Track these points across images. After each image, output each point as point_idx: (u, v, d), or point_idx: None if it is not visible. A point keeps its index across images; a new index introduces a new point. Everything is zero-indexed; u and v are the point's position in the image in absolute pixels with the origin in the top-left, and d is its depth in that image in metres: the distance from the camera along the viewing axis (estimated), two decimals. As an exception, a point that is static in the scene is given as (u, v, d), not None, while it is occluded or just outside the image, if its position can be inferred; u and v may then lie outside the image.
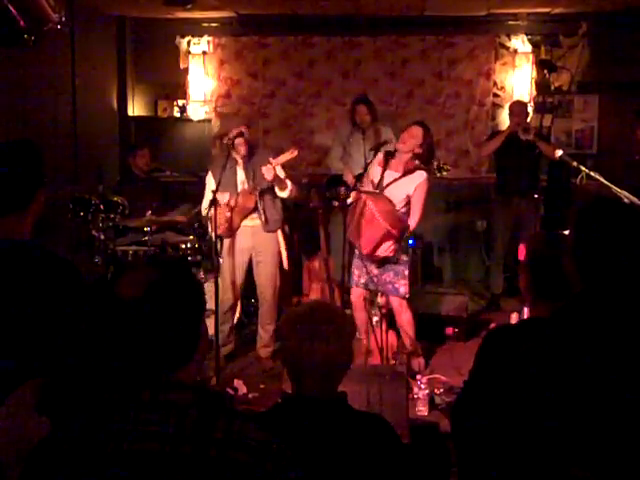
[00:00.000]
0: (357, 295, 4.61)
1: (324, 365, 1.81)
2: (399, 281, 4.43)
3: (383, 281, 4.46)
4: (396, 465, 1.84)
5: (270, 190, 4.69)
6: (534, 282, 2.20)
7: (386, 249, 4.29)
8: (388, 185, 4.39)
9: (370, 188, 4.43)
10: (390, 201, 4.29)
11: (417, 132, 4.38)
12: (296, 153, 4.57)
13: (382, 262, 4.43)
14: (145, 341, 1.30)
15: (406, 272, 4.43)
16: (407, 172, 4.36)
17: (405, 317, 4.53)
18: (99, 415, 1.28)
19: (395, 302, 4.49)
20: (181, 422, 1.25)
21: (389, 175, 4.41)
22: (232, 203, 4.66)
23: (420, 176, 4.35)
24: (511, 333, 1.86)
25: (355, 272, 4.58)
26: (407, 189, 4.35)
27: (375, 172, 4.49)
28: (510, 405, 1.63)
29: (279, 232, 4.84)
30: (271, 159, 4.57)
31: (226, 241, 4.78)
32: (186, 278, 1.38)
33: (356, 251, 4.54)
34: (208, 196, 4.63)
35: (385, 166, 4.44)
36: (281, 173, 4.65)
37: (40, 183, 2.07)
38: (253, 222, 4.74)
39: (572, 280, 1.68)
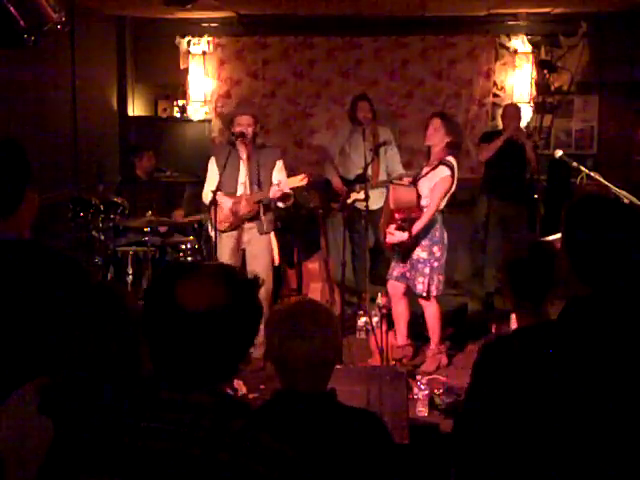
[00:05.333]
0: (391, 288, 4.72)
1: (308, 362, 1.80)
2: (417, 279, 4.51)
3: (409, 277, 4.59)
4: (386, 460, 1.83)
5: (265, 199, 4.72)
6: (513, 286, 2.23)
7: (392, 235, 4.45)
8: (419, 179, 4.55)
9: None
10: (413, 193, 4.45)
11: (437, 124, 4.48)
12: (306, 181, 4.60)
13: (405, 257, 4.55)
14: (195, 356, 1.28)
15: (426, 270, 4.50)
16: (434, 167, 4.48)
17: (429, 311, 4.61)
18: (117, 411, 1.28)
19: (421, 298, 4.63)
20: (196, 423, 1.24)
21: (424, 170, 4.58)
22: (234, 208, 4.66)
23: (442, 172, 4.45)
24: (508, 345, 1.83)
25: (392, 265, 4.73)
26: (430, 183, 4.48)
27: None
28: (515, 418, 1.62)
29: (272, 233, 4.88)
30: (281, 181, 4.59)
31: (222, 238, 4.76)
32: (252, 302, 1.36)
33: (397, 247, 4.69)
34: (211, 182, 4.67)
35: (426, 164, 4.63)
36: (287, 188, 4.64)
37: (26, 182, 2.00)
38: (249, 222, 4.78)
39: (567, 280, 1.68)
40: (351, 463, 1.77)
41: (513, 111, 5.91)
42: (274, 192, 4.53)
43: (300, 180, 4.58)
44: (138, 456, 1.22)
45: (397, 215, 4.40)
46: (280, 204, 4.72)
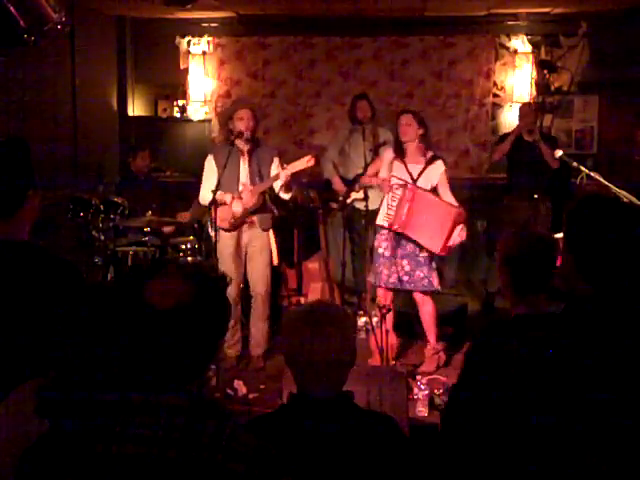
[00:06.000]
0: (383, 294, 4.61)
1: (327, 364, 1.82)
2: (432, 273, 4.53)
3: (416, 278, 4.52)
4: (403, 463, 1.83)
5: (269, 190, 4.72)
6: (513, 281, 2.23)
7: (458, 234, 4.42)
8: (418, 177, 4.54)
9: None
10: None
11: (408, 119, 4.55)
12: (313, 163, 4.54)
13: (410, 259, 4.51)
14: (165, 354, 1.28)
15: (433, 265, 4.55)
16: (428, 162, 4.53)
17: (427, 309, 4.60)
18: (90, 416, 1.27)
19: (418, 295, 4.59)
20: (170, 425, 1.23)
21: (413, 168, 4.56)
22: (239, 205, 4.65)
23: (440, 165, 4.55)
24: (501, 334, 1.83)
25: (384, 272, 4.57)
26: (431, 179, 4.53)
27: (398, 170, 4.57)
28: (504, 407, 1.62)
29: (270, 231, 4.88)
30: (285, 165, 4.59)
31: (222, 238, 4.73)
32: (221, 298, 1.37)
33: (384, 252, 4.58)
34: (208, 181, 4.62)
35: (404, 162, 4.58)
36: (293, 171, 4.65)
37: (29, 184, 1.99)
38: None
39: (569, 279, 1.68)
40: (371, 466, 1.77)
41: (523, 110, 5.88)
42: (286, 176, 4.52)
43: (307, 162, 4.52)
44: (113, 462, 1.21)
45: (462, 210, 4.41)
46: (283, 194, 4.71)
